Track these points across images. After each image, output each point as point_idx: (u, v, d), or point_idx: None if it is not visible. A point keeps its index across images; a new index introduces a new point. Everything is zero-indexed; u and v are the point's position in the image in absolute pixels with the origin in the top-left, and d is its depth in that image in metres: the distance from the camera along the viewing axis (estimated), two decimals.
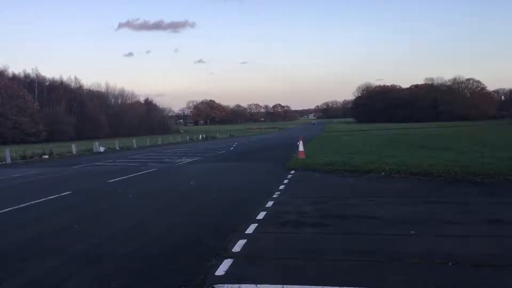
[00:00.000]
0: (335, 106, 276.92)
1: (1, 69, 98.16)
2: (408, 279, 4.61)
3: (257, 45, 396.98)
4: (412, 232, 6.44)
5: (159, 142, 53.48)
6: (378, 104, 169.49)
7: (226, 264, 5.23)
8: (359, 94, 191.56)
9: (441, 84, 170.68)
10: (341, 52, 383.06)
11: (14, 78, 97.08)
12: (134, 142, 46.73)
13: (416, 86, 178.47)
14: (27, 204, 10.37)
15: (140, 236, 6.96)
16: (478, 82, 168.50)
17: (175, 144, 52.61)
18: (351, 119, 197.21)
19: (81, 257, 5.86)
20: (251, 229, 6.96)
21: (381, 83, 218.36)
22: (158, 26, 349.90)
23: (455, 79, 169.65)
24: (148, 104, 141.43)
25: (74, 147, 35.39)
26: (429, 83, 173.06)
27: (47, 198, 11.15)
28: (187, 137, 72.43)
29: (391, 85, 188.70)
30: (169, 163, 21.95)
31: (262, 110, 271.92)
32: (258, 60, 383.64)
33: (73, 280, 5.00)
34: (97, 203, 10.55)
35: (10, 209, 9.76)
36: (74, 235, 7.20)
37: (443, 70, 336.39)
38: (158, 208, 9.69)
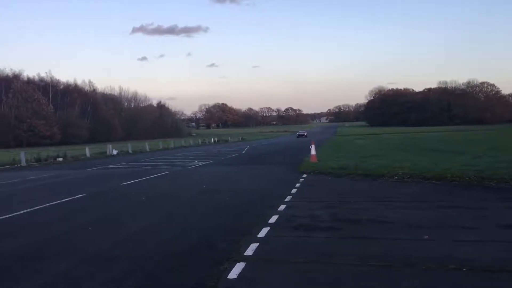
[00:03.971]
0: (347, 109, 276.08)
1: (16, 73, 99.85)
2: (422, 285, 4.57)
3: (269, 49, 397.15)
4: (426, 236, 6.39)
5: (172, 145, 53.70)
6: (390, 108, 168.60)
7: (238, 268, 5.24)
8: (372, 98, 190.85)
9: (455, 87, 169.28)
10: (353, 55, 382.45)
11: (29, 81, 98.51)
12: (146, 145, 47.05)
13: (430, 89, 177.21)
14: (41, 206, 10.49)
15: (153, 239, 7.00)
16: (493, 85, 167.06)
17: (187, 147, 52.81)
18: (363, 123, 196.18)
19: (94, 259, 5.92)
20: (263, 232, 6.96)
21: (394, 86, 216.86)
22: (171, 30, 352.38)
23: (469, 83, 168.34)
24: (161, 107, 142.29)
25: (88, 150, 35.78)
26: (443, 86, 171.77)
27: (61, 201, 11.27)
28: (199, 141, 72.77)
29: (404, 89, 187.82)
30: (182, 166, 22.05)
31: (274, 113, 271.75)
32: (270, 64, 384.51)
33: (87, 280, 5.05)
34: (110, 206, 10.65)
35: (24, 211, 9.88)
36: (88, 237, 7.27)
37: (457, 74, 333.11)
38: (171, 211, 9.74)
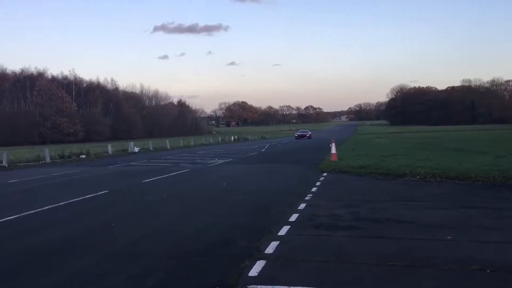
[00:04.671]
0: (368, 108, 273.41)
1: (41, 71, 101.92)
2: (443, 286, 4.53)
3: (289, 47, 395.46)
4: (449, 237, 6.31)
5: (192, 143, 54.04)
6: (412, 106, 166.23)
7: (259, 265, 5.26)
8: (393, 96, 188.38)
9: (479, 86, 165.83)
10: (375, 53, 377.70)
11: (53, 79, 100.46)
12: (167, 142, 47.42)
13: (453, 88, 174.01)
14: (66, 202, 10.71)
15: (174, 236, 7.08)
16: None
17: (207, 145, 53.11)
18: (384, 121, 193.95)
19: (116, 255, 6.02)
20: (283, 231, 6.98)
21: (416, 84, 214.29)
22: (192, 29, 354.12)
23: (493, 81, 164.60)
24: (181, 105, 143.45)
25: (110, 147, 36.32)
26: (466, 84, 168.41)
27: (85, 197, 11.49)
28: (219, 139, 73.04)
29: (426, 87, 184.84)
30: (202, 164, 22.19)
31: (294, 112, 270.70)
32: (290, 62, 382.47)
33: (109, 276, 5.14)
34: (132, 203, 10.79)
35: (49, 207, 10.10)
36: (111, 233, 7.40)
37: (481, 72, 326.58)
38: (191, 208, 9.83)
